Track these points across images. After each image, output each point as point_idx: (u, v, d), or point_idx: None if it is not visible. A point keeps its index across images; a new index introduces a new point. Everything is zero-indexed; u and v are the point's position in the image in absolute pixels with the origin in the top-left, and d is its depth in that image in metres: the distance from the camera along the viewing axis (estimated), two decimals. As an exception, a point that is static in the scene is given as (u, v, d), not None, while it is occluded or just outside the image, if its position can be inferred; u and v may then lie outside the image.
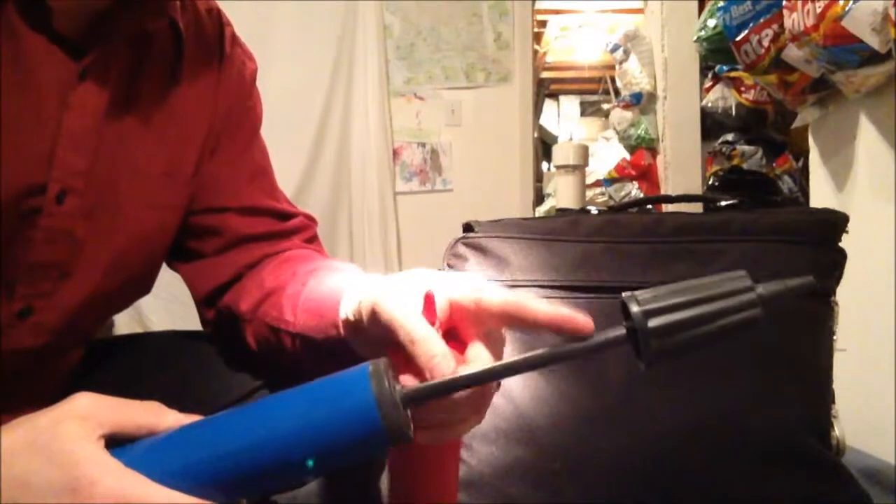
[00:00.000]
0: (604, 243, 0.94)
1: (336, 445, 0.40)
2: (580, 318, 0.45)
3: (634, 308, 0.42)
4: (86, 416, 0.40)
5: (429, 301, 0.47)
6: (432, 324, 0.46)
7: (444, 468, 0.58)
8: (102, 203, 0.61)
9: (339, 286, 0.56)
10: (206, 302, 0.72)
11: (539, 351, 0.43)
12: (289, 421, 0.40)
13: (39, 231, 0.57)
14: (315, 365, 0.44)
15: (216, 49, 0.71)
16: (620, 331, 0.43)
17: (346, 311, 0.53)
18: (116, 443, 0.41)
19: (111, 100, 0.60)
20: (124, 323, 2.66)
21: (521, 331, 0.50)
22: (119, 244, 0.63)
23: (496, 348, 0.49)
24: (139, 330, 2.58)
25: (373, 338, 0.49)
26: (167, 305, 2.33)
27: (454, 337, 0.48)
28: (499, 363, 0.44)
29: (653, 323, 0.42)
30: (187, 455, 0.40)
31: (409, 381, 0.45)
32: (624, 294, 0.43)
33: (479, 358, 0.47)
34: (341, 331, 0.54)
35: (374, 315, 0.48)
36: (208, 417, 0.42)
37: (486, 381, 0.44)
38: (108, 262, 0.63)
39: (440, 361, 0.44)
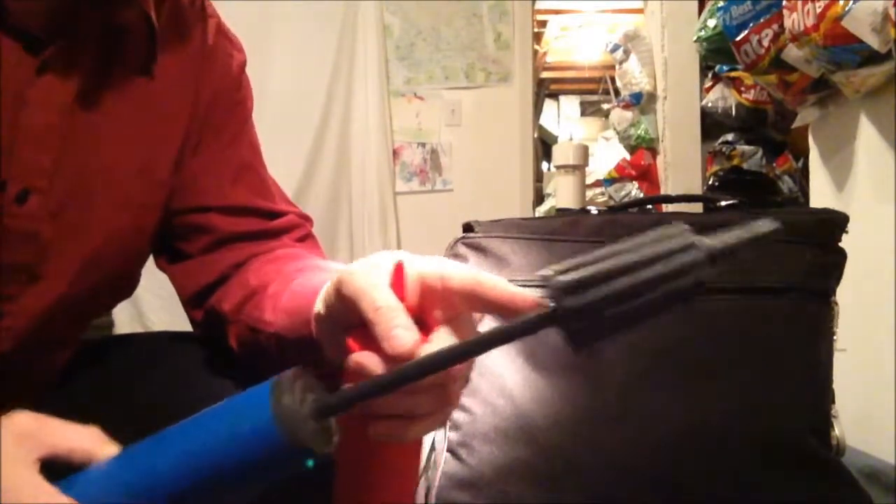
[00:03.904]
0: (604, 243, 0.94)
1: (244, 464, 0.37)
2: (529, 297, 0.41)
3: (550, 284, 0.36)
4: (24, 435, 0.39)
5: (398, 272, 0.45)
6: (401, 299, 0.43)
7: (398, 467, 0.54)
8: (71, 203, 0.58)
9: (320, 284, 0.52)
10: (192, 303, 0.69)
11: (468, 340, 0.39)
12: (195, 443, 0.38)
13: (1, 232, 0.54)
14: (289, 367, 0.43)
15: (197, 41, 0.67)
16: (546, 310, 0.37)
17: (318, 306, 0.51)
18: (52, 468, 0.40)
19: (78, 95, 0.57)
20: (124, 323, 2.66)
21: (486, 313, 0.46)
22: (90, 245, 0.61)
23: (465, 336, 0.44)
24: (139, 330, 2.57)
25: (339, 325, 0.47)
26: (167, 305, 2.33)
27: (423, 326, 0.44)
28: (424, 356, 0.39)
29: (571, 302, 0.35)
30: (109, 486, 0.39)
31: (370, 359, 0.42)
32: (541, 271, 0.37)
33: (438, 343, 0.43)
34: (313, 328, 0.52)
35: (339, 292, 0.45)
36: (130, 446, 0.40)
37: (410, 380, 0.38)
38: (78, 264, 0.60)
39: (400, 333, 0.41)
